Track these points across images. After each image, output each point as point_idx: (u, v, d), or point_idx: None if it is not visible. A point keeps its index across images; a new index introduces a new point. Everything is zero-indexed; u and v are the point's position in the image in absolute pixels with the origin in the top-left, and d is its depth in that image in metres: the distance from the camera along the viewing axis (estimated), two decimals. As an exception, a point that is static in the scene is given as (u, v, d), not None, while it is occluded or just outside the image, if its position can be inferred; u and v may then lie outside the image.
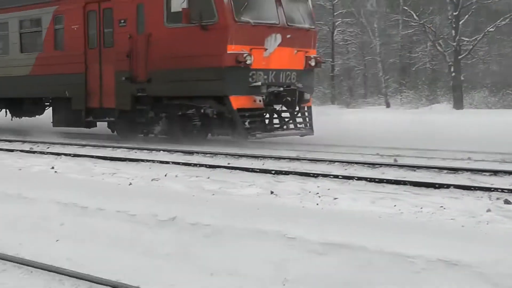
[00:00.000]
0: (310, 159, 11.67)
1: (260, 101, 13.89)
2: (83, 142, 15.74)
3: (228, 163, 11.30)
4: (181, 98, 14.40)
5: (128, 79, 14.96)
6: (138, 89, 14.93)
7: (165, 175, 9.93)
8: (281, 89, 14.11)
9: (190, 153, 13.05)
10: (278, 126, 14.72)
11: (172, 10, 13.85)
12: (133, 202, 7.63)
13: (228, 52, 13.33)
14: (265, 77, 13.96)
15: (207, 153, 12.83)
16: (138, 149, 13.99)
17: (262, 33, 13.85)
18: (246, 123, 13.62)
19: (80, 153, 13.25)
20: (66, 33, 16.40)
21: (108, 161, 12.17)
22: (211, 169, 10.70)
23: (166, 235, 6.48)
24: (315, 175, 9.59)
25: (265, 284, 4.99)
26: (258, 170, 10.28)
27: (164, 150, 13.56)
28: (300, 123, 14.92)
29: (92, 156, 12.71)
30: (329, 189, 8.43)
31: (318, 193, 8.16)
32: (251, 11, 13.76)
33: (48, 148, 14.72)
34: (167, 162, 11.50)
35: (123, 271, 5.32)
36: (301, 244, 5.51)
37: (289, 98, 13.98)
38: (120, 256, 5.81)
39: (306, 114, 15.03)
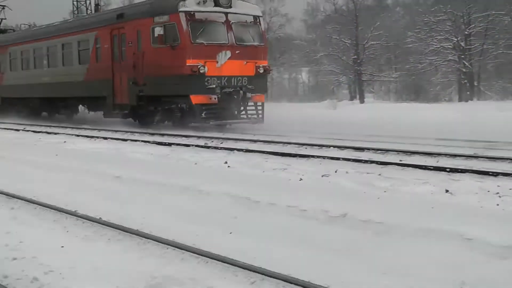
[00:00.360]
0: (489, 157, 11.12)
1: (215, 98, 19.36)
2: (254, 138, 16.17)
3: (400, 160, 11.07)
4: (165, 96, 20.23)
5: (133, 83, 21.00)
6: (139, 90, 20.85)
7: (336, 171, 9.91)
8: (231, 90, 19.72)
9: (361, 149, 12.97)
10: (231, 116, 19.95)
11: (155, 35, 20.00)
12: (303, 198, 7.69)
13: (187, 64, 19.18)
14: (218, 81, 19.55)
15: (377, 150, 12.68)
16: (308, 145, 14.12)
17: (214, 50, 19.59)
18: (203, 114, 19.26)
19: (252, 149, 13.61)
20: (101, 50, 22.94)
21: (279, 156, 12.38)
22: (382, 165, 10.52)
23: (337, 231, 6.46)
24: (495, 174, 9.11)
25: (441, 287, 4.80)
26: (431, 168, 9.95)
27: (334, 147, 13.57)
28: (251, 114, 20.31)
29: (263, 152, 12.99)
30: (511, 189, 7.96)
31: (498, 193, 7.74)
32: (205, 35, 19.64)
33: (221, 143, 15.25)
34: (337, 158, 11.47)
35: (294, 265, 5.37)
36: (480, 246, 5.24)
37: (235, 96, 19.68)
38: (290, 251, 5.87)
39: (258, 108, 20.39)
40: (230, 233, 6.56)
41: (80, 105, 27.14)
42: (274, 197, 7.86)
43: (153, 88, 20.36)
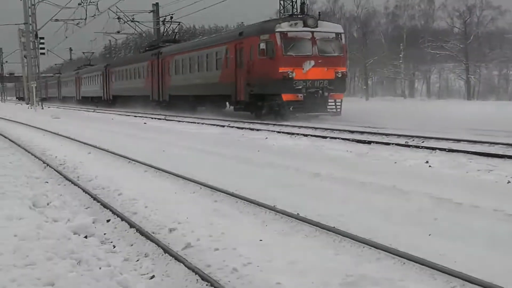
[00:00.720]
0: None
1: (301, 96, 25.99)
2: (458, 137, 15.53)
3: None
4: (267, 94, 26.96)
5: (247, 84, 27.91)
6: (251, 90, 27.71)
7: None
8: (314, 90, 26.35)
9: None
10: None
11: (260, 49, 27.16)
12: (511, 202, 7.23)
13: (279, 71, 26.17)
14: (304, 84, 26.32)
15: None
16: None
17: (300, 60, 26.39)
18: (290, 108, 26.01)
19: (455, 148, 13.08)
20: (229, 59, 29.91)
21: (484, 157, 11.78)
22: None
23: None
24: None
25: None
26: None
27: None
28: (331, 108, 26.81)
29: (467, 152, 12.43)
30: None
31: None
32: (295, 48, 26.62)
33: (422, 142, 14.86)
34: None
35: (498, 273, 5.06)
36: None
37: (317, 95, 26.29)
38: (495, 257, 5.55)
39: (337, 104, 26.82)
40: (429, 235, 6.35)
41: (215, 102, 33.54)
42: (478, 200, 7.48)
43: (259, 88, 27.45)
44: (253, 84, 27.78)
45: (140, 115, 34.17)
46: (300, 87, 26.59)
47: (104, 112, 37.84)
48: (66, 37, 48.41)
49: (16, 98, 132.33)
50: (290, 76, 26.30)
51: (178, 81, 37.57)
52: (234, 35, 30.60)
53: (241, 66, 28.79)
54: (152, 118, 30.75)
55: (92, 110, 42.95)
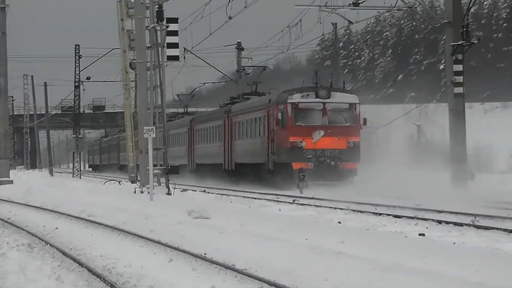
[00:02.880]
0: None
1: (311, 165, 29.50)
2: None
3: None
4: (282, 163, 30.87)
5: (271, 152, 32.04)
6: (274, 158, 31.65)
7: None
8: (325, 159, 29.93)
9: None
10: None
11: (277, 118, 30.82)
12: None
13: (290, 140, 29.76)
14: (314, 153, 29.87)
15: None
16: None
17: (310, 130, 30.06)
18: (300, 176, 28.33)
19: None
20: (263, 126, 33.19)
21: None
22: None
23: None
24: None
25: None
26: None
27: None
28: (344, 177, 30.06)
29: None
30: None
31: None
32: (304, 118, 30.15)
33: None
34: None
35: None
36: None
37: (327, 164, 29.78)
38: None
39: (351, 173, 30.28)
40: None
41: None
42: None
43: (277, 156, 30.81)
44: (274, 153, 31.33)
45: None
46: (310, 156, 30.15)
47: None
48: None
49: (89, 166, 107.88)
50: (299, 146, 30.29)
51: (241, 146, 36.96)
52: (266, 102, 33.48)
53: (268, 134, 32.27)
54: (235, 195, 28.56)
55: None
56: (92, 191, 30.59)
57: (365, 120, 32.87)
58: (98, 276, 9.66)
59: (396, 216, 18.42)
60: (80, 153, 62.40)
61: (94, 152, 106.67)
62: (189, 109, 62.98)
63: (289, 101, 30.75)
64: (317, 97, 31.17)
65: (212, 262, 10.35)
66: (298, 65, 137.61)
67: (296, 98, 30.77)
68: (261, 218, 17.34)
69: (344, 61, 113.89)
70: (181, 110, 63.86)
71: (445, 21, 30.81)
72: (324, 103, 31.17)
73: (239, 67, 54.68)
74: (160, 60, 29.68)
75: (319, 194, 26.32)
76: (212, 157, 41.82)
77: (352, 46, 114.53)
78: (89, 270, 10.11)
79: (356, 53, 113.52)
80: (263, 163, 32.57)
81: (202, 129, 45.02)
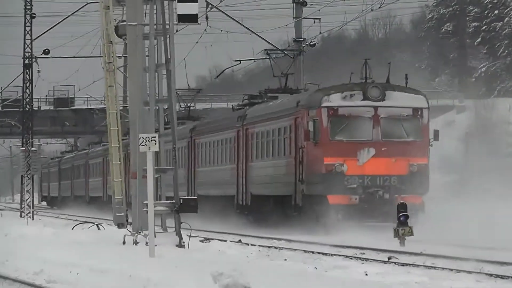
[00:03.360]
0: None
1: (355, 199, 31.57)
2: None
3: None
4: (314, 195, 34.16)
5: (299, 180, 35.60)
6: (303, 188, 34.80)
7: None
8: (376, 189, 31.55)
9: None
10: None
11: (307, 129, 33.38)
12: None
13: (325, 162, 31.78)
14: (360, 181, 31.92)
15: None
16: None
17: (355, 148, 32.05)
18: (339, 215, 31.01)
19: None
20: (287, 141, 36.49)
21: None
22: None
23: None
24: None
25: None
26: None
27: None
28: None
29: None
30: None
31: None
32: (346, 131, 32.04)
33: None
34: None
35: None
36: None
37: (380, 197, 31.63)
38: None
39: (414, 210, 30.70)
40: None
41: None
42: None
43: (307, 186, 33.72)
44: (303, 181, 34.09)
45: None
46: (355, 185, 32.69)
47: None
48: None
49: (42, 199, 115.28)
50: (338, 170, 32.85)
51: (259, 169, 40.28)
52: (293, 105, 36.71)
53: (297, 154, 35.11)
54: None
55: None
56: (54, 241, 30.90)
57: (436, 133, 34.60)
58: None
59: None
60: (32, 177, 62.99)
61: (50, 176, 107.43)
62: (216, 104, 63.05)
63: (324, 104, 33.22)
64: (365, 98, 33.53)
65: None
66: (397, 30, 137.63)
67: (335, 100, 33.32)
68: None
69: (475, 24, 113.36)
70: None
71: None
72: (376, 108, 33.52)
73: (297, 34, 54.75)
74: (167, 21, 29.87)
75: (429, 247, 26.26)
76: (219, 186, 44.29)
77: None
78: None
79: (496, 11, 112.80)
80: (289, 196, 35.43)
81: (206, 143, 47.39)
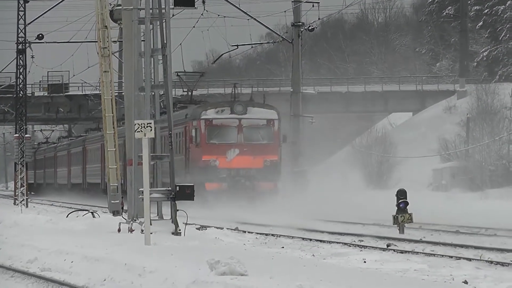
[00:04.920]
0: None
1: (226, 185, 48.75)
2: None
3: None
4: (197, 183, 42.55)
5: (187, 172, 50.96)
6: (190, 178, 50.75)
7: None
8: (240, 179, 49.76)
9: None
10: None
11: (192, 135, 51.30)
12: None
13: (203, 159, 49.85)
14: (228, 172, 49.66)
15: None
16: None
17: (224, 148, 50.02)
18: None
19: None
20: (180, 143, 52.31)
21: None
22: None
23: None
24: None
25: None
26: None
27: None
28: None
29: None
30: None
31: None
32: (219, 136, 50.29)
33: None
34: None
35: None
36: None
37: (242, 184, 49.46)
38: None
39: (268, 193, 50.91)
40: None
41: None
42: None
43: (191, 176, 44.89)
44: (189, 172, 47.05)
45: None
46: (225, 175, 46.89)
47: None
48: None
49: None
50: (212, 165, 46.47)
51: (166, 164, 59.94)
52: (183, 118, 50.27)
53: (186, 153, 48.60)
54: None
55: None
56: (48, 229, 30.92)
57: (284, 137, 53.16)
58: None
59: None
60: (26, 164, 63.02)
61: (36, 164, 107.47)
62: (213, 90, 67.71)
63: (202, 117, 47.86)
64: (232, 112, 48.65)
65: None
66: (397, 14, 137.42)
67: (210, 114, 47.95)
68: (334, 275, 17.33)
69: (476, 7, 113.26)
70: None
71: None
72: (240, 119, 48.91)
73: (296, 18, 55.16)
74: (163, 6, 29.93)
75: (429, 234, 26.34)
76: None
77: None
78: None
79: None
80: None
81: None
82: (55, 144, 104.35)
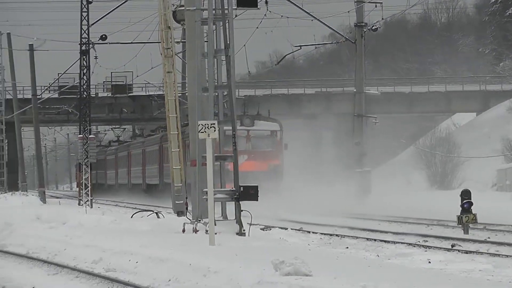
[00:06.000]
0: None
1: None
2: None
3: None
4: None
5: None
6: None
7: None
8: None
9: None
10: None
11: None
12: None
13: None
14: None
15: None
16: None
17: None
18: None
19: None
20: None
21: None
22: None
23: None
24: None
25: None
26: None
27: None
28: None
29: None
30: None
31: None
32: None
33: None
34: None
35: None
36: None
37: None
38: None
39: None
40: None
41: None
42: None
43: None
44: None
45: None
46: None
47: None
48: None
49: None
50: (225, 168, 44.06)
51: (152, 169, 76.50)
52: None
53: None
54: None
55: None
56: (113, 230, 31.09)
57: (285, 145, 63.32)
58: None
59: None
60: (90, 165, 63.46)
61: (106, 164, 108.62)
62: (276, 91, 72.06)
63: None
64: (242, 125, 56.81)
65: None
66: (460, 14, 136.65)
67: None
68: (399, 276, 17.28)
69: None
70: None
71: None
72: (248, 131, 60.16)
73: (359, 19, 54.79)
74: (226, 6, 29.95)
75: (493, 235, 26.15)
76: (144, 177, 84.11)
77: None
78: None
79: None
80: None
81: (136, 154, 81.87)
82: (116, 146, 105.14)
